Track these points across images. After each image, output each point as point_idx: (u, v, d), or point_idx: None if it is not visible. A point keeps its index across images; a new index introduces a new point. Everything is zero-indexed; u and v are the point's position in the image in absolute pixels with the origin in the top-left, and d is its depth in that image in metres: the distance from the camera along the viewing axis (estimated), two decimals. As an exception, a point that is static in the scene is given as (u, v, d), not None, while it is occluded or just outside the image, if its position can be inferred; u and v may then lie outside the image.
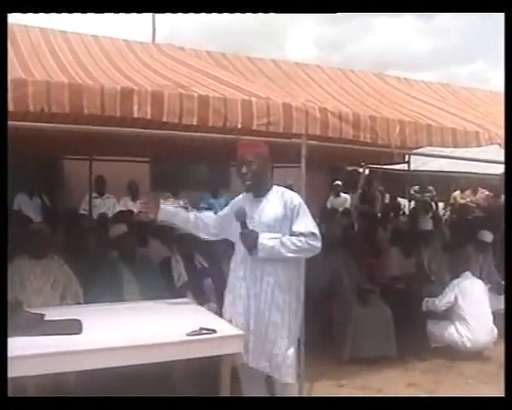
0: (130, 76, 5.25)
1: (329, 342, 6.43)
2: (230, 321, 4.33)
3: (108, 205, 10.07)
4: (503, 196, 10.83)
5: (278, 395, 4.39)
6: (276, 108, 4.99)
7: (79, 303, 5.24)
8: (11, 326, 3.17)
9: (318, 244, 4.23)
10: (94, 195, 9.92)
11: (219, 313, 4.61)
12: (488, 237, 8.07)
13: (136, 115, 4.56)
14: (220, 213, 4.70)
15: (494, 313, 6.65)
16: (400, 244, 7.85)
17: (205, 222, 4.66)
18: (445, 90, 9.22)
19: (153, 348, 3.80)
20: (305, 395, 4.79)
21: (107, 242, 6.17)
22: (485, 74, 47.96)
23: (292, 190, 4.53)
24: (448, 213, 13.49)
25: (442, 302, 6.60)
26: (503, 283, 6.97)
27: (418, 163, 10.99)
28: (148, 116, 4.58)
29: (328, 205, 12.60)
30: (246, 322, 4.27)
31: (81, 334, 3.87)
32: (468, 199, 13.56)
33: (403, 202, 12.81)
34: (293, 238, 4.18)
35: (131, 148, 8.90)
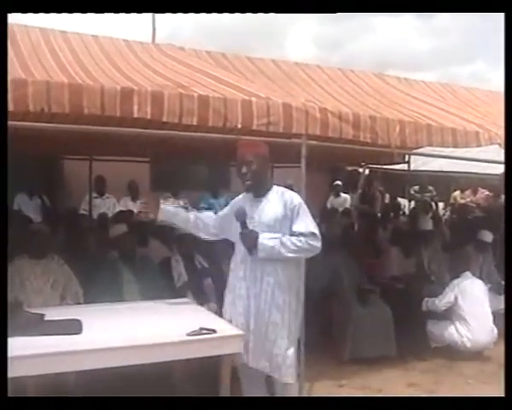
0: (130, 76, 5.25)
1: (329, 342, 6.43)
2: (230, 321, 4.33)
3: (108, 205, 10.07)
4: (503, 196, 10.84)
5: (278, 395, 4.39)
6: (276, 108, 4.99)
7: (79, 303, 5.24)
8: (11, 326, 3.17)
9: (318, 244, 4.23)
10: (94, 195, 9.92)
11: (219, 313, 4.61)
12: (488, 237, 8.07)
13: (136, 115, 4.56)
14: (220, 213, 4.70)
15: (494, 313, 6.65)
16: (400, 244, 7.85)
17: (205, 222, 4.66)
18: (444, 90, 9.22)
19: (153, 348, 3.80)
20: (305, 394, 4.79)
21: (107, 242, 6.17)
22: (485, 74, 47.98)
23: (292, 190, 4.53)
24: (448, 213, 13.49)
25: (442, 302, 6.60)
26: (502, 283, 6.97)
27: (418, 163, 10.99)
28: (148, 116, 4.58)
29: (328, 205, 12.60)
30: (246, 322, 4.27)
31: (81, 334, 3.87)
32: (468, 199, 13.57)
33: (403, 202, 12.82)
34: (293, 238, 4.18)
35: (131, 148, 8.90)
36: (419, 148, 6.59)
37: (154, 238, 6.97)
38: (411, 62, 42.93)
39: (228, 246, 4.72)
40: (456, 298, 6.58)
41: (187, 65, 6.17)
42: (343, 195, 13.10)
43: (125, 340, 3.80)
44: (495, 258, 8.08)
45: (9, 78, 3.95)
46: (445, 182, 13.62)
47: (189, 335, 3.88)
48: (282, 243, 4.17)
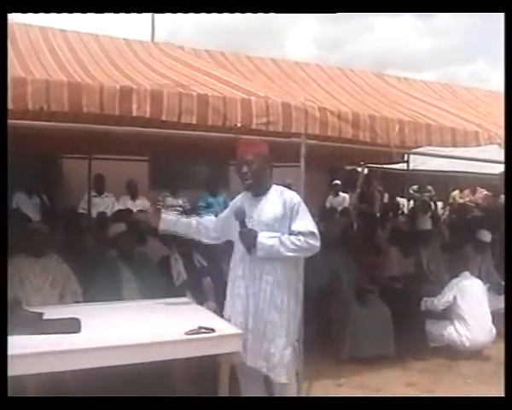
0: (129, 75, 5.25)
1: (328, 342, 6.43)
2: (230, 320, 4.33)
3: (107, 204, 10.05)
4: (501, 196, 10.87)
5: (277, 394, 4.39)
6: (275, 108, 4.99)
7: (78, 302, 5.24)
8: (10, 325, 3.16)
9: (317, 243, 4.22)
10: (93, 193, 9.90)
11: (218, 312, 4.60)
12: (487, 236, 8.07)
13: (135, 114, 4.56)
14: (220, 215, 4.71)
15: (493, 313, 6.65)
16: (399, 244, 7.86)
17: (206, 226, 4.66)
18: (444, 89, 9.21)
19: (151, 346, 3.79)
20: (303, 394, 4.79)
21: (106, 240, 6.17)
22: (485, 74, 48.01)
23: (291, 189, 4.53)
24: (447, 212, 13.50)
25: (441, 302, 6.60)
26: (502, 282, 7.00)
27: (417, 162, 11.01)
28: (148, 115, 4.58)
29: (327, 204, 12.61)
30: (244, 321, 4.27)
31: (80, 333, 3.87)
32: (467, 199, 13.58)
33: (402, 201, 12.82)
34: (293, 237, 4.18)
35: (130, 146, 8.92)
36: (418, 147, 6.60)
37: (152, 237, 6.96)
38: (411, 62, 42.99)
39: (227, 245, 4.71)
40: (455, 298, 6.58)
41: (186, 64, 6.17)
42: (342, 194, 13.10)
43: (124, 339, 3.80)
44: (494, 258, 8.09)
45: (9, 76, 3.94)
46: (443, 181, 13.65)
47: (187, 334, 3.88)
48: (281, 242, 4.17)
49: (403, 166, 11.02)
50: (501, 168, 4.86)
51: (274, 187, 4.41)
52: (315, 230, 4.22)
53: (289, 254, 4.19)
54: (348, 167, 13.65)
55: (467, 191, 13.80)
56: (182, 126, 5.15)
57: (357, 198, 11.99)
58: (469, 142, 6.01)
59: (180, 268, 5.92)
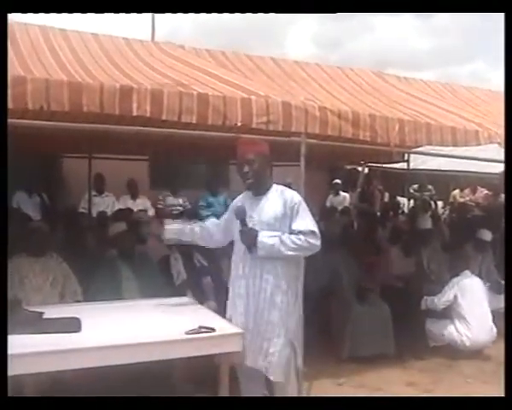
0: (129, 74, 5.25)
1: (328, 341, 6.43)
2: (231, 320, 4.33)
3: (108, 203, 10.05)
4: (502, 195, 10.86)
5: (277, 394, 4.38)
6: (275, 107, 4.99)
7: (78, 301, 5.24)
8: (10, 324, 3.16)
9: (318, 243, 4.22)
10: (93, 193, 9.90)
11: (218, 312, 4.60)
12: (487, 235, 8.06)
13: (135, 113, 4.56)
14: (222, 217, 4.70)
15: (493, 312, 6.65)
16: (399, 243, 7.86)
17: (210, 231, 4.66)
18: (444, 89, 9.21)
19: (152, 346, 3.79)
20: (303, 393, 4.78)
21: (107, 240, 6.17)
22: (485, 74, 47.94)
23: (291, 188, 4.53)
24: (447, 211, 13.50)
25: (441, 301, 6.60)
26: (502, 282, 6.99)
27: (417, 162, 11.00)
28: (148, 114, 4.58)
29: (328, 203, 12.60)
30: (245, 321, 4.26)
31: (80, 332, 3.87)
32: (468, 198, 13.57)
33: (402, 200, 12.82)
34: (293, 236, 4.18)
35: (131, 146, 8.92)
36: (418, 146, 6.59)
37: (152, 237, 6.96)
38: (411, 61, 42.92)
39: (227, 244, 4.71)
40: (455, 297, 6.58)
41: (186, 63, 6.17)
42: (342, 193, 13.11)
43: (124, 338, 3.80)
44: (494, 257, 8.08)
45: (9, 75, 3.94)
46: (444, 181, 13.64)
47: (188, 333, 3.88)
48: (282, 242, 4.17)
49: (403, 165, 11.02)
50: (501, 167, 4.86)
51: (274, 186, 4.40)
52: (315, 229, 4.22)
53: (290, 253, 4.19)
54: (348, 167, 13.65)
55: (467, 190, 13.79)
56: (182, 126, 5.15)
57: (358, 197, 11.99)
58: (469, 141, 6.01)
59: (180, 268, 5.92)
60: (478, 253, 7.99)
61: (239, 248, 4.36)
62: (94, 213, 9.20)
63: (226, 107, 4.79)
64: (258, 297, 4.25)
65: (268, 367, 4.24)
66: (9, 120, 3.41)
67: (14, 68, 4.51)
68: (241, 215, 4.28)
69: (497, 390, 3.84)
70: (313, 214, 4.38)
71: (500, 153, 5.05)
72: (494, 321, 6.54)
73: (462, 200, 13.60)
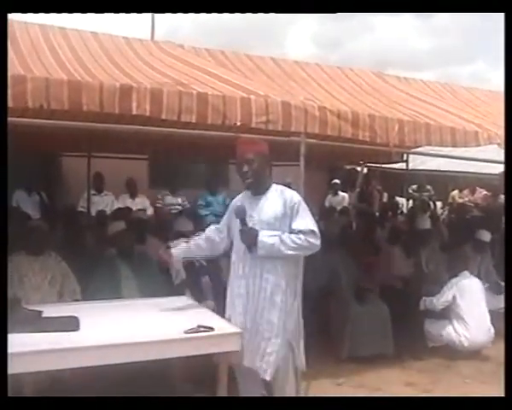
0: (129, 73, 5.25)
1: (327, 341, 6.43)
2: (230, 320, 4.33)
3: (107, 202, 10.05)
4: (501, 196, 10.87)
5: (276, 394, 4.38)
6: (274, 106, 4.99)
7: (77, 300, 5.24)
8: (9, 323, 3.16)
9: (317, 242, 4.23)
10: (92, 192, 9.91)
11: (217, 311, 4.60)
12: (486, 236, 8.06)
13: (134, 112, 4.57)
14: (222, 221, 4.69)
15: (492, 313, 6.65)
16: (398, 243, 7.86)
17: (213, 240, 4.63)
18: (444, 89, 9.22)
19: (150, 345, 3.79)
20: (302, 393, 4.78)
21: (106, 239, 6.17)
22: (484, 74, 47.97)
23: (290, 188, 4.53)
24: (446, 212, 13.50)
25: (440, 301, 6.61)
26: (500, 282, 7.01)
27: (416, 162, 11.00)
28: (147, 113, 4.59)
29: (327, 203, 12.61)
30: (244, 320, 4.26)
31: (78, 331, 3.87)
32: (466, 198, 13.58)
33: (401, 201, 12.82)
34: (293, 236, 4.18)
35: (130, 145, 8.92)
36: (418, 147, 6.60)
37: (152, 235, 6.96)
38: (411, 62, 42.94)
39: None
40: (454, 297, 6.58)
41: (186, 62, 6.17)
42: (341, 193, 13.11)
43: (123, 337, 3.80)
44: (493, 257, 8.09)
45: (9, 74, 3.94)
46: (443, 181, 13.65)
47: (186, 332, 3.88)
48: (282, 241, 4.17)
49: (402, 165, 11.02)
50: (500, 168, 4.87)
51: (274, 186, 4.40)
52: (315, 228, 4.23)
53: (290, 252, 4.19)
54: (347, 167, 13.64)
55: (466, 191, 13.80)
56: (181, 125, 5.15)
57: (357, 197, 11.97)
58: (469, 142, 6.01)
59: (179, 267, 5.91)
60: (477, 253, 7.99)
61: (239, 247, 4.36)
62: (93, 212, 9.20)
63: (226, 106, 4.79)
64: (257, 297, 4.25)
65: (265, 368, 4.24)
66: (9, 119, 3.42)
67: (14, 67, 4.51)
68: (241, 215, 4.28)
69: (496, 391, 3.85)
70: (312, 214, 4.38)
71: (499, 154, 5.06)
72: (492, 322, 6.54)
73: (461, 200, 13.61)
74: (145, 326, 4.12)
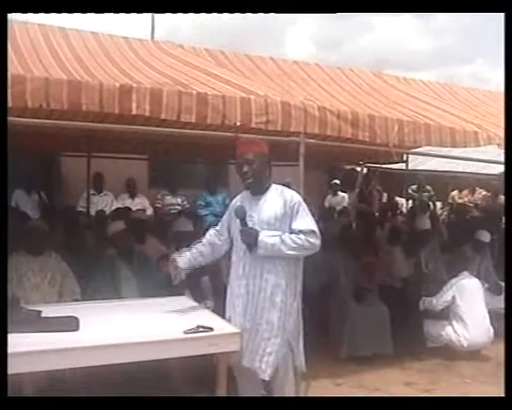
0: (128, 73, 5.25)
1: (326, 341, 6.43)
2: (230, 320, 4.33)
3: (106, 202, 10.06)
4: (500, 196, 10.86)
5: (275, 394, 4.38)
6: (274, 106, 4.99)
7: (77, 300, 5.24)
8: (8, 323, 3.16)
9: (318, 242, 4.23)
10: (92, 192, 9.91)
11: (217, 311, 4.60)
12: (486, 236, 8.06)
13: (134, 112, 4.56)
14: (221, 222, 4.69)
15: (491, 313, 6.65)
16: (398, 243, 7.85)
17: (215, 244, 4.64)
18: (444, 89, 9.21)
19: (150, 345, 3.79)
20: (301, 393, 4.79)
21: (105, 239, 6.16)
22: (484, 74, 47.91)
23: (290, 188, 4.53)
24: (446, 212, 13.49)
25: (439, 301, 6.60)
26: (500, 283, 7.01)
27: (416, 162, 10.99)
28: (147, 113, 4.59)
29: (326, 204, 12.61)
30: (244, 320, 4.27)
31: (78, 331, 3.87)
32: (466, 199, 13.56)
33: (401, 201, 12.82)
34: (293, 236, 4.19)
35: (130, 145, 8.92)
36: (417, 147, 6.59)
37: (151, 235, 6.96)
38: (410, 62, 42.90)
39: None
40: (453, 297, 6.58)
41: (186, 62, 6.17)
42: (341, 193, 13.10)
43: (123, 337, 3.80)
44: (493, 258, 8.08)
45: (8, 74, 3.94)
46: (442, 182, 13.62)
47: (186, 333, 3.88)
48: (283, 241, 4.17)
49: (402, 165, 11.00)
50: (500, 169, 4.87)
51: (274, 186, 4.41)
52: (315, 228, 4.23)
53: (290, 252, 4.19)
54: (347, 167, 13.63)
55: (466, 191, 13.77)
56: (181, 125, 5.15)
57: (356, 198, 11.97)
58: (469, 142, 6.01)
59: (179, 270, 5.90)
60: (476, 254, 7.98)
61: (239, 247, 4.36)
62: (92, 212, 9.20)
63: (225, 106, 4.79)
64: (258, 297, 4.26)
65: (264, 368, 4.24)
66: (9, 119, 3.41)
67: (13, 67, 4.51)
68: (241, 215, 4.28)
69: (495, 391, 3.85)
70: (312, 214, 4.39)
71: (499, 154, 5.06)
72: (492, 322, 6.54)
73: (460, 201, 13.59)
74: (144, 326, 4.11)
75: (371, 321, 6.34)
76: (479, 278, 7.06)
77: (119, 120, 5.51)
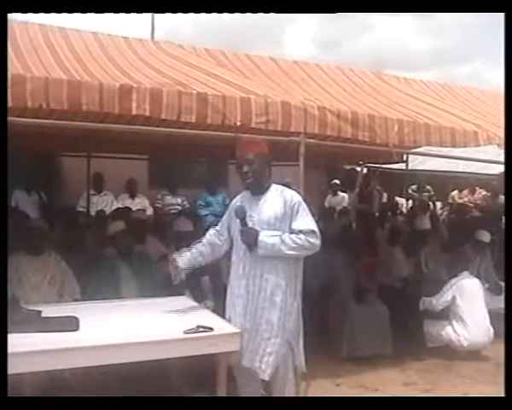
0: (128, 73, 5.25)
1: (326, 341, 6.42)
2: (230, 321, 4.33)
3: (106, 202, 10.05)
4: (500, 196, 10.87)
5: (275, 394, 4.38)
6: (274, 106, 4.99)
7: (77, 300, 5.24)
8: (8, 323, 3.16)
9: (318, 242, 4.23)
10: (92, 192, 9.90)
11: (217, 311, 4.60)
12: (486, 236, 8.05)
13: (134, 112, 4.56)
14: (221, 222, 4.69)
15: (490, 313, 6.65)
16: (398, 243, 7.85)
17: (215, 244, 4.64)
18: (443, 89, 9.21)
19: (150, 345, 3.79)
20: (301, 393, 4.79)
21: (105, 239, 6.16)
22: (484, 74, 47.91)
23: (290, 188, 4.53)
24: (446, 212, 13.49)
25: (439, 301, 6.60)
26: (500, 283, 7.01)
27: (416, 162, 10.99)
28: (147, 113, 4.59)
29: (326, 204, 12.61)
30: (244, 320, 4.27)
31: (78, 331, 3.87)
32: (466, 199, 13.56)
33: (401, 201, 12.82)
34: (293, 236, 4.19)
35: (130, 145, 8.91)
36: (417, 147, 6.59)
37: (151, 235, 6.96)
38: (410, 61, 42.84)
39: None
40: (453, 297, 6.57)
41: (186, 62, 6.17)
42: (341, 193, 13.10)
43: (123, 337, 3.80)
44: (493, 258, 8.08)
45: (8, 74, 3.94)
46: (442, 181, 13.62)
47: (186, 333, 3.88)
48: (283, 241, 4.17)
49: (402, 165, 11.00)
50: (500, 169, 4.87)
51: (273, 186, 4.41)
52: (315, 228, 4.23)
53: (290, 252, 4.20)
54: (347, 167, 13.63)
55: (466, 191, 13.78)
56: (181, 125, 5.15)
57: (356, 198, 11.98)
58: (468, 142, 6.00)
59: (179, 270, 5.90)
60: (476, 254, 7.98)
61: (239, 247, 4.37)
62: (92, 212, 9.20)
63: (225, 106, 4.79)
64: (258, 297, 4.26)
65: (264, 368, 4.24)
66: (8, 119, 3.41)
67: (13, 67, 4.51)
68: (241, 215, 4.28)
69: (495, 391, 3.86)
70: (312, 214, 4.39)
71: (499, 154, 5.06)
72: (492, 322, 6.54)
73: (460, 201, 13.59)
74: (144, 326, 4.12)
75: (371, 321, 6.34)
76: (479, 278, 7.06)
77: (119, 120, 5.52)
